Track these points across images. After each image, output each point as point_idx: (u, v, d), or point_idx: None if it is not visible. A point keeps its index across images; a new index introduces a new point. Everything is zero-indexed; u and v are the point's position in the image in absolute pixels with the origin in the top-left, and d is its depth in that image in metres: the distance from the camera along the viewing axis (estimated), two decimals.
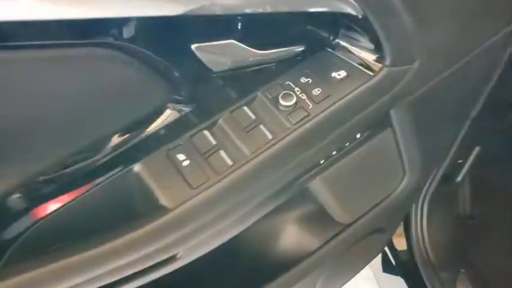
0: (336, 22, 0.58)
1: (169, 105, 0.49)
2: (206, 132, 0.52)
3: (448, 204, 1.14)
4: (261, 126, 0.53)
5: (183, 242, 0.50)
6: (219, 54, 0.48)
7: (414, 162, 0.76)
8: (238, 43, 0.48)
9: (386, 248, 1.17)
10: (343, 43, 0.59)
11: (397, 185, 0.80)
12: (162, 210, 0.48)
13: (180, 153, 0.51)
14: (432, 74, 0.62)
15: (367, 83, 0.56)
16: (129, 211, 0.49)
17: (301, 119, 0.54)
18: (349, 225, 0.80)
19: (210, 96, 0.54)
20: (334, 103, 0.55)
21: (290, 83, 0.56)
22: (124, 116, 0.45)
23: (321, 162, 0.61)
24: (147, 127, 0.49)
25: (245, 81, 0.56)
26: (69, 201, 0.47)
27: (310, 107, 0.54)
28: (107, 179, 0.49)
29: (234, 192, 0.50)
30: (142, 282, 0.52)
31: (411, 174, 0.78)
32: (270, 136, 0.53)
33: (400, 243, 1.14)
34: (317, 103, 0.55)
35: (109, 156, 0.49)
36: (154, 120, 0.49)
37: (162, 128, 0.51)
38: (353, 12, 0.49)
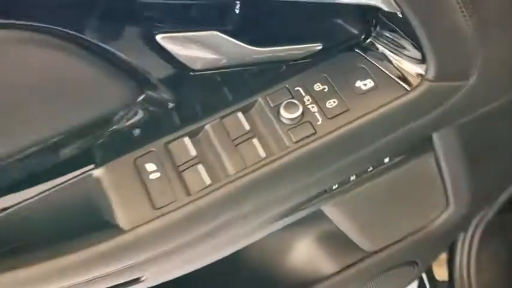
0: (371, 16, 0.46)
1: (140, 104, 0.40)
2: (187, 140, 0.43)
3: (504, 237, 0.98)
4: (254, 140, 0.43)
5: (138, 269, 0.41)
6: (195, 48, 0.37)
7: (462, 192, 0.63)
8: (222, 35, 0.38)
9: (424, 276, 1.03)
10: (377, 45, 0.47)
11: (436, 215, 0.68)
12: (115, 229, 0.40)
13: (150, 162, 0.42)
14: (493, 94, 0.48)
15: (399, 100, 0.43)
16: (82, 223, 0.41)
17: (305, 137, 0.43)
18: (374, 253, 0.69)
19: (197, 97, 0.44)
20: (352, 121, 0.43)
21: (300, 89, 0.44)
22: (73, 114, 0.37)
23: (334, 187, 0.50)
24: (108, 126, 0.40)
25: (245, 82, 0.45)
26: (14, 205, 0.40)
27: (319, 123, 0.43)
28: (64, 182, 0.42)
29: (204, 219, 0.41)
30: None
31: (457, 205, 0.65)
32: (262, 154, 0.42)
33: (441, 273, 1.00)
34: (329, 118, 0.43)
35: (65, 156, 0.41)
36: (118, 119, 0.40)
37: (132, 129, 0.42)
38: (384, 7, 0.37)
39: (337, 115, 0.43)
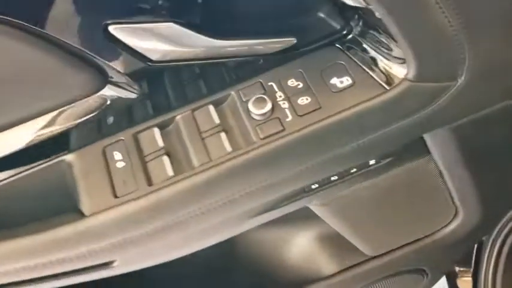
0: (350, 12, 0.43)
1: (108, 94, 0.40)
2: (156, 130, 0.43)
3: None
4: (222, 134, 0.42)
5: (104, 254, 0.42)
6: (152, 40, 0.37)
7: (469, 199, 0.59)
8: (179, 27, 0.37)
9: None
10: (361, 42, 0.44)
11: (445, 223, 0.64)
12: (78, 214, 0.41)
13: (118, 151, 0.43)
14: (488, 97, 0.45)
15: (376, 99, 0.41)
16: (52, 206, 0.43)
17: (273, 134, 0.41)
18: (375, 257, 0.67)
19: (171, 89, 0.44)
20: (322, 119, 0.41)
21: (273, 85, 0.43)
22: (34, 103, 0.38)
23: (313, 187, 0.48)
24: (78, 116, 0.41)
25: (221, 75, 0.45)
26: None
27: (288, 120, 0.42)
28: (38, 165, 0.43)
29: (164, 210, 0.41)
30: (73, 281, 0.47)
31: (467, 212, 0.61)
32: (229, 148, 0.42)
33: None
34: (300, 116, 0.42)
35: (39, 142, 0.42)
36: (87, 109, 0.41)
37: (99, 119, 0.42)
38: (348, 1, 0.35)
39: (308, 113, 0.42)
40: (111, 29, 0.36)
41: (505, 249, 0.84)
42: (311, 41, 0.44)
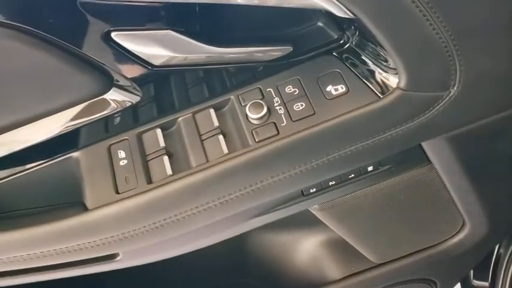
0: (345, 22, 0.44)
1: (113, 97, 0.43)
2: (158, 131, 0.45)
3: None
4: (220, 137, 0.44)
5: (107, 247, 0.45)
6: (153, 46, 0.39)
7: (475, 210, 0.58)
8: (177, 34, 0.39)
9: None
10: (359, 51, 0.45)
11: (451, 233, 0.63)
12: (82, 208, 0.44)
13: (122, 149, 0.45)
14: (485, 107, 0.45)
15: (369, 107, 0.42)
16: (60, 199, 0.46)
17: (267, 138, 0.43)
18: (381, 265, 0.67)
19: (174, 92, 0.46)
20: (316, 125, 0.42)
21: (271, 90, 0.45)
22: (41, 104, 0.41)
23: (311, 190, 0.49)
24: (85, 116, 0.44)
25: (222, 80, 0.47)
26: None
27: (283, 124, 0.43)
28: (48, 161, 0.46)
29: (162, 207, 0.43)
30: (76, 273, 0.50)
31: (473, 223, 0.61)
32: (225, 150, 0.43)
33: None
34: (294, 121, 0.43)
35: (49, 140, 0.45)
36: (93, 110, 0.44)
37: (106, 119, 0.45)
38: (334, 11, 0.36)
39: (302, 118, 0.43)
40: (114, 35, 0.38)
41: None
42: (309, 49, 0.46)
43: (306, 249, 0.75)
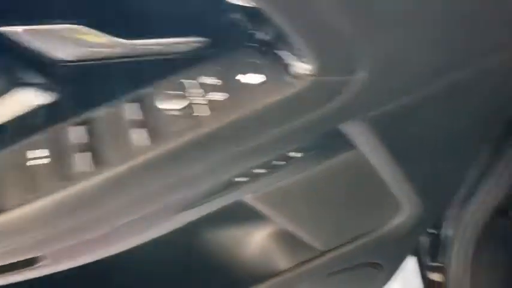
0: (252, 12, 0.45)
1: (20, 96, 0.42)
2: (80, 127, 0.45)
3: (501, 241, 0.91)
4: (141, 130, 0.44)
5: (25, 250, 0.44)
6: (57, 41, 0.39)
7: (407, 193, 0.60)
8: (82, 28, 0.39)
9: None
10: (274, 41, 0.46)
11: (390, 217, 0.65)
12: None
13: (42, 147, 0.45)
14: (397, 89, 0.46)
15: (284, 94, 0.43)
16: None
17: (188, 129, 0.43)
18: (326, 252, 0.68)
19: (92, 87, 0.46)
20: (236, 114, 0.43)
21: (190, 82, 0.45)
22: None
23: (238, 180, 0.50)
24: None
25: (141, 73, 0.47)
26: None
27: (202, 115, 0.44)
28: None
29: (82, 205, 0.43)
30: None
31: (408, 205, 0.62)
32: (147, 143, 0.44)
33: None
34: (213, 111, 0.44)
35: None
36: None
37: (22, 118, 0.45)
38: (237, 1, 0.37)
39: (220, 108, 0.44)
40: (21, 30, 0.38)
41: (473, 238, 0.85)
42: (227, 40, 0.46)
43: (256, 242, 0.75)
